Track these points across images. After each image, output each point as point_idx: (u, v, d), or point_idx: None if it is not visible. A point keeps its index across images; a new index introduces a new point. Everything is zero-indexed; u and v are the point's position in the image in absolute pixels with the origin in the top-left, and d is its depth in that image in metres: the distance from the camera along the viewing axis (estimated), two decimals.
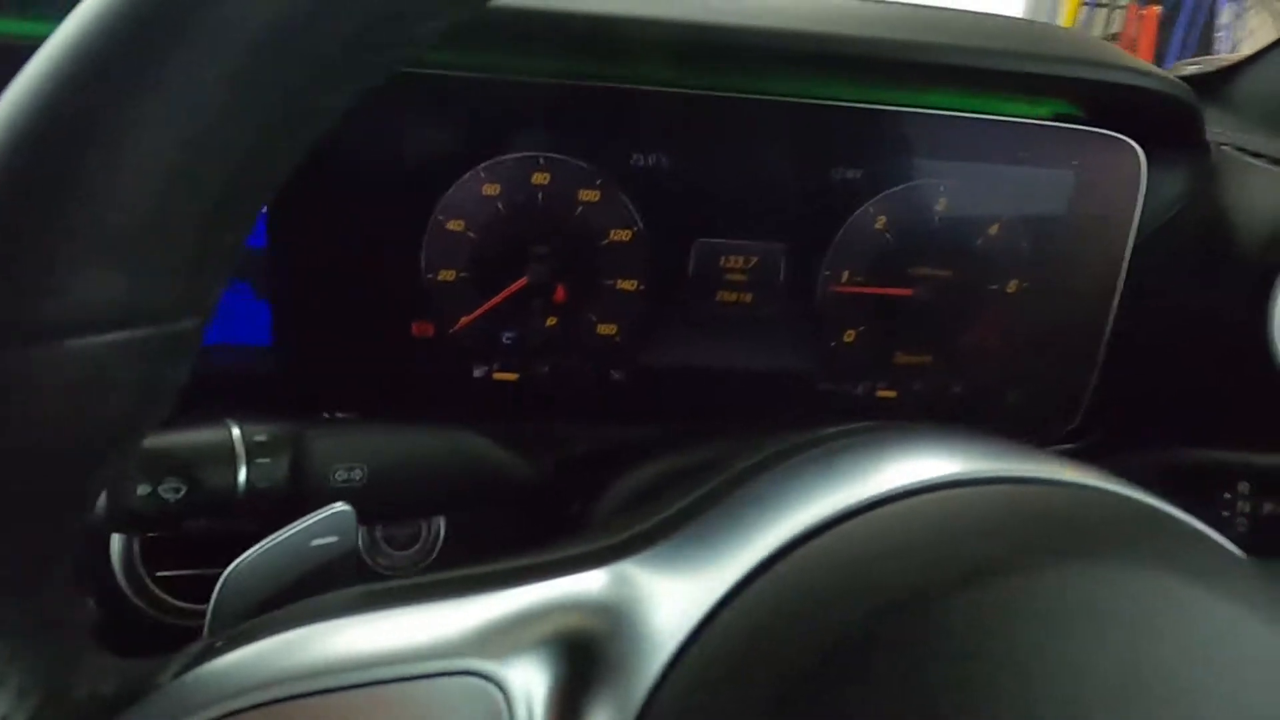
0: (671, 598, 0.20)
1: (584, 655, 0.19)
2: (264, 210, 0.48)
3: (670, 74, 0.49)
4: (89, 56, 0.15)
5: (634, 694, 0.19)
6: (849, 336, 0.54)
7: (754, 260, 0.52)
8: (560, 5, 0.46)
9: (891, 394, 0.56)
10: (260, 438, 0.31)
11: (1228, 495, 0.37)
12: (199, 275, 0.18)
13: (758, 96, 0.49)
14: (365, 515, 0.27)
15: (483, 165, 0.49)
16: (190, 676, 0.18)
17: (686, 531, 0.21)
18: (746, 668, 0.18)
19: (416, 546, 0.48)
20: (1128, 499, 0.23)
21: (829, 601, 0.19)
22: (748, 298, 0.53)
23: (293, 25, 0.16)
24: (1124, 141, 0.52)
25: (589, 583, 0.20)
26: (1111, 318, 0.54)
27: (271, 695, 0.18)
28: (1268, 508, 0.36)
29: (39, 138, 0.15)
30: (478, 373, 0.52)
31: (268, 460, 0.31)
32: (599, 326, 0.52)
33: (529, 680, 0.19)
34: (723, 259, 0.52)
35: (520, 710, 0.19)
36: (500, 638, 0.19)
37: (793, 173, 0.51)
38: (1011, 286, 0.54)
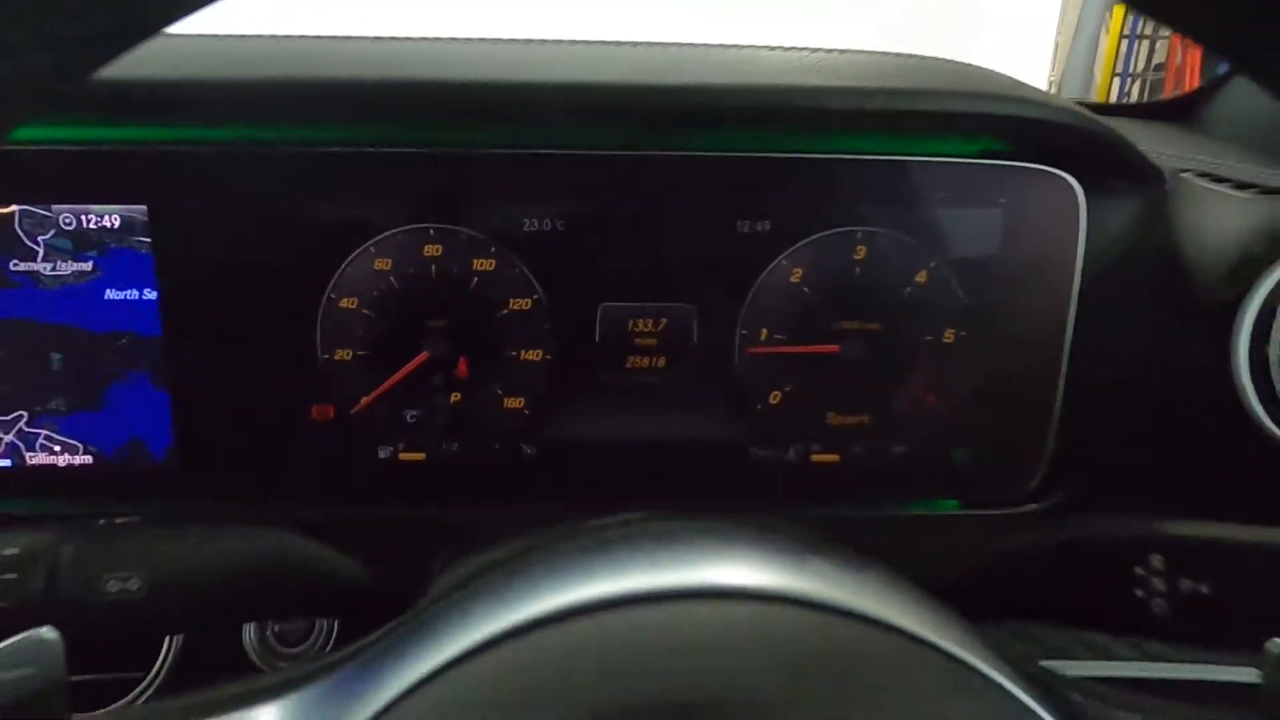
0: None
1: None
2: (157, 298, 0.48)
3: (558, 135, 0.47)
4: None
5: None
6: (774, 398, 0.50)
7: (664, 323, 0.49)
8: (435, 74, 0.45)
9: (833, 457, 0.52)
10: (10, 552, 0.29)
11: (1140, 571, 0.32)
12: None
13: (653, 152, 0.47)
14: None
15: (372, 241, 0.47)
16: None
17: (338, 673, 0.18)
18: None
19: (307, 643, 0.45)
20: (936, 653, 0.19)
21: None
22: (660, 362, 0.50)
23: None
24: (1058, 176, 0.48)
25: None
26: (1064, 365, 0.50)
27: None
28: (1185, 587, 0.30)
29: None
30: (383, 454, 0.50)
31: (15, 578, 0.29)
32: (505, 400, 0.50)
33: None
34: (631, 323, 0.49)
35: None
36: None
37: (697, 229, 0.48)
38: (948, 336, 0.50)
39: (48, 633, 0.22)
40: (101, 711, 0.19)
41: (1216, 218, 0.48)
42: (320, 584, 0.37)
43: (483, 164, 0.47)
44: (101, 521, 0.38)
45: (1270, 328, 0.44)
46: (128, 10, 0.16)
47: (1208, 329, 0.46)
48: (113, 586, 0.29)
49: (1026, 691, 0.18)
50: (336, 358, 0.49)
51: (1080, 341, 0.49)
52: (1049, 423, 0.50)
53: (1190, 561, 0.32)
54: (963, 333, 0.50)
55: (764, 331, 0.50)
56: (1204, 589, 0.32)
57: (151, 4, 0.16)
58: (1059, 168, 0.48)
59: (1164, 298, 0.48)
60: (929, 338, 0.50)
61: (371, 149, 0.46)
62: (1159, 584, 0.32)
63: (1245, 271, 0.45)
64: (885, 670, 0.18)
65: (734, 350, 0.50)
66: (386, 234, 0.47)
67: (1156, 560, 0.33)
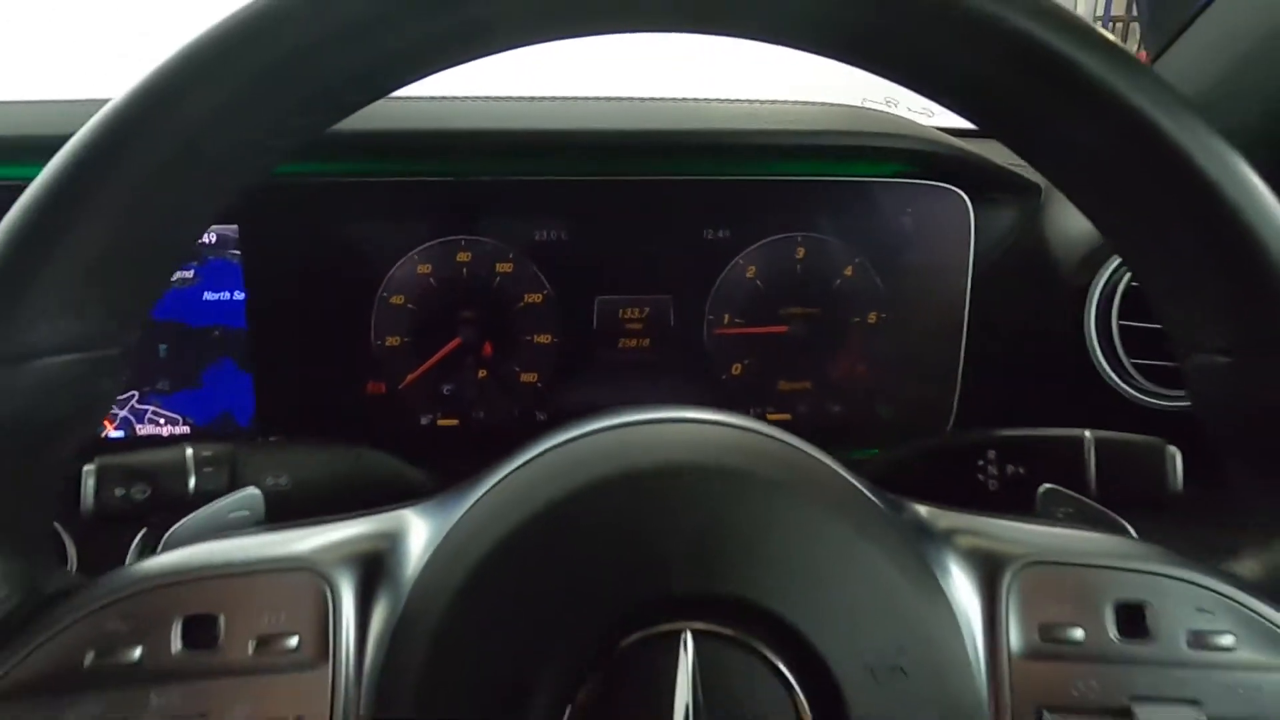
0: (423, 530, 0.30)
1: (376, 564, 0.29)
2: (245, 298, 0.60)
3: (564, 166, 0.60)
4: (55, 177, 0.26)
5: (402, 584, 0.29)
6: (736, 370, 0.63)
7: (647, 311, 0.62)
8: (471, 125, 0.59)
9: (785, 416, 0.65)
10: (206, 454, 0.42)
11: (981, 462, 0.45)
12: (127, 315, 0.29)
13: (637, 178, 0.61)
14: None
15: (416, 250, 0.60)
16: (123, 571, 0.28)
17: (445, 492, 0.31)
18: (459, 557, 0.28)
19: None
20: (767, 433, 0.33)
21: (511, 506, 0.29)
22: (645, 343, 0.63)
23: (204, 131, 0.27)
24: (953, 191, 0.62)
25: (381, 524, 0.31)
26: (964, 338, 0.63)
27: (174, 580, 0.28)
28: (1010, 470, 0.43)
29: (23, 224, 0.26)
30: (424, 421, 0.63)
31: (211, 470, 0.41)
32: (522, 375, 0.63)
33: (343, 577, 0.29)
34: (621, 311, 0.62)
35: (338, 594, 0.28)
36: (327, 552, 0.29)
37: (672, 236, 0.61)
38: (871, 318, 0.63)
39: (253, 490, 0.35)
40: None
41: (1076, 220, 0.62)
42: (402, 488, 0.50)
43: (504, 189, 0.60)
44: (258, 439, 0.50)
45: (1112, 305, 0.58)
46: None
47: (1068, 307, 0.60)
48: (269, 482, 0.41)
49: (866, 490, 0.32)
50: (387, 344, 0.61)
51: (975, 319, 0.63)
52: (953, 384, 0.64)
53: (1014, 453, 0.45)
54: (883, 315, 0.63)
55: (727, 316, 0.63)
56: (1022, 470, 0.45)
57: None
58: (953, 185, 0.62)
59: (1036, 283, 0.62)
60: (856, 319, 0.63)
61: (418, 179, 0.59)
62: (993, 470, 0.45)
63: (1093, 262, 0.59)
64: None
65: (703, 332, 0.63)
66: (427, 244, 0.60)
67: (991, 455, 0.46)
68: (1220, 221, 0.28)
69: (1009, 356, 0.63)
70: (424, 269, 0.60)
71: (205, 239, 0.60)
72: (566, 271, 0.61)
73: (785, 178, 0.61)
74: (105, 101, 0.26)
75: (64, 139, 0.27)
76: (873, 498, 0.32)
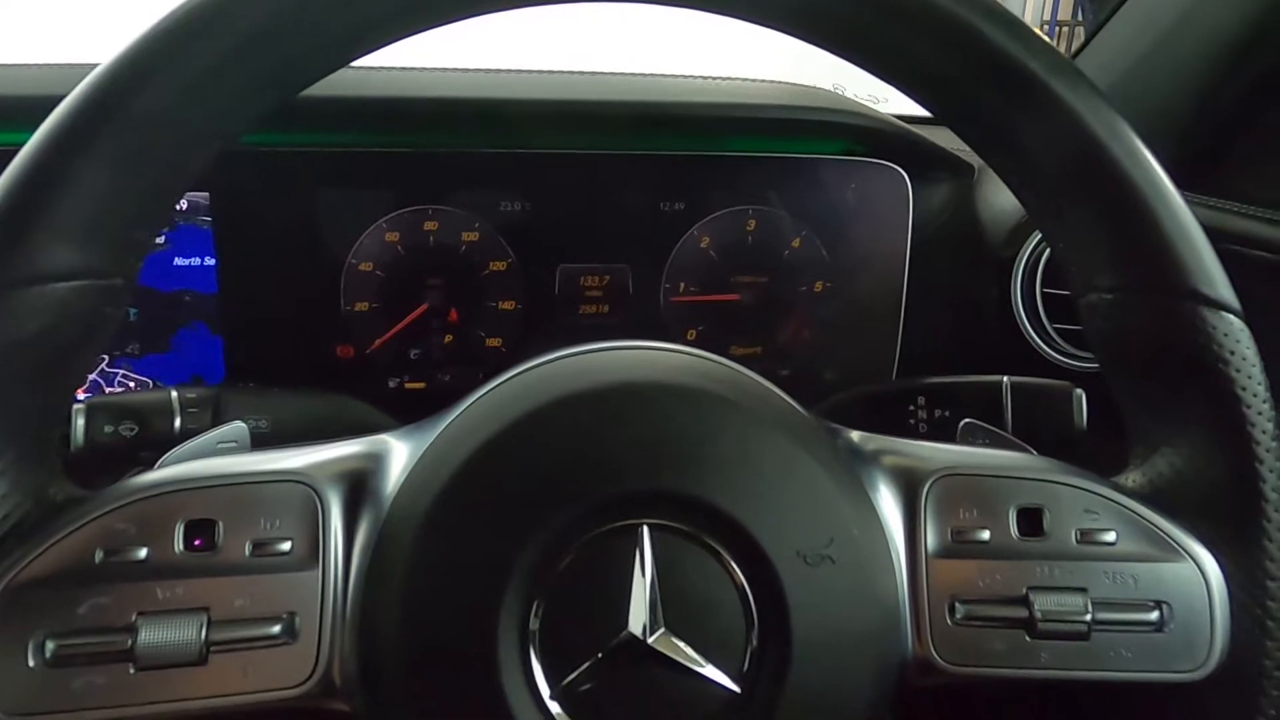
0: (404, 450, 0.34)
1: (361, 479, 0.33)
2: (215, 264, 0.62)
3: (526, 138, 0.63)
4: (63, 119, 0.28)
5: (385, 497, 0.32)
6: (691, 335, 0.67)
7: (607, 279, 0.65)
8: (441, 93, 0.61)
9: None
10: (191, 395, 0.44)
11: (912, 407, 0.50)
12: (128, 250, 0.31)
13: (598, 152, 0.64)
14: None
15: (384, 218, 0.63)
16: (129, 480, 0.31)
17: (424, 420, 0.35)
18: (437, 468, 0.31)
19: None
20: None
21: (483, 423, 0.32)
22: (605, 309, 0.66)
23: (213, 71, 0.29)
24: (893, 169, 0.66)
25: (365, 446, 0.34)
26: (903, 305, 0.68)
27: (176, 488, 0.30)
28: (937, 414, 0.48)
29: (33, 163, 0.28)
30: (392, 384, 0.65)
31: (196, 411, 0.44)
32: (487, 340, 0.65)
33: (331, 490, 0.32)
34: (582, 279, 0.65)
35: (327, 504, 0.31)
36: (317, 469, 0.32)
37: (630, 208, 0.65)
38: (818, 287, 0.67)
39: (239, 423, 0.37)
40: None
41: (1005, 197, 0.67)
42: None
43: (471, 161, 0.63)
44: (239, 385, 0.52)
45: (1036, 274, 0.63)
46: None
47: (997, 276, 0.64)
48: (251, 423, 0.44)
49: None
50: (356, 309, 0.63)
51: (913, 288, 0.67)
52: (894, 348, 0.68)
53: (941, 398, 0.50)
54: (828, 284, 0.67)
55: (682, 285, 0.66)
56: (948, 414, 0.49)
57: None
58: (895, 163, 0.66)
59: (969, 255, 0.67)
60: (803, 289, 0.67)
61: (387, 150, 0.62)
62: (923, 414, 0.50)
63: (1018, 236, 0.64)
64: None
65: (660, 300, 0.66)
66: (396, 213, 0.63)
67: (921, 400, 0.50)
68: (1113, 186, 0.32)
69: (943, 322, 0.67)
70: (392, 237, 0.63)
71: (177, 205, 0.61)
72: (530, 241, 0.64)
73: (738, 154, 0.65)
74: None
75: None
76: (810, 418, 0.36)
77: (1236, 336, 0.33)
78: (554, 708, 0.30)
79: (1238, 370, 0.32)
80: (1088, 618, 0.32)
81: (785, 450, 0.32)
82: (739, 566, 0.31)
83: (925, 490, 0.34)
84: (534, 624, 0.30)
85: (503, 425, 0.32)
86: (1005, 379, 0.49)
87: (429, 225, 0.63)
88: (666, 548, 0.30)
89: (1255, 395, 0.32)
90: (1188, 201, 0.33)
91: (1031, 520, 0.34)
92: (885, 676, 0.32)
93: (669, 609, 0.30)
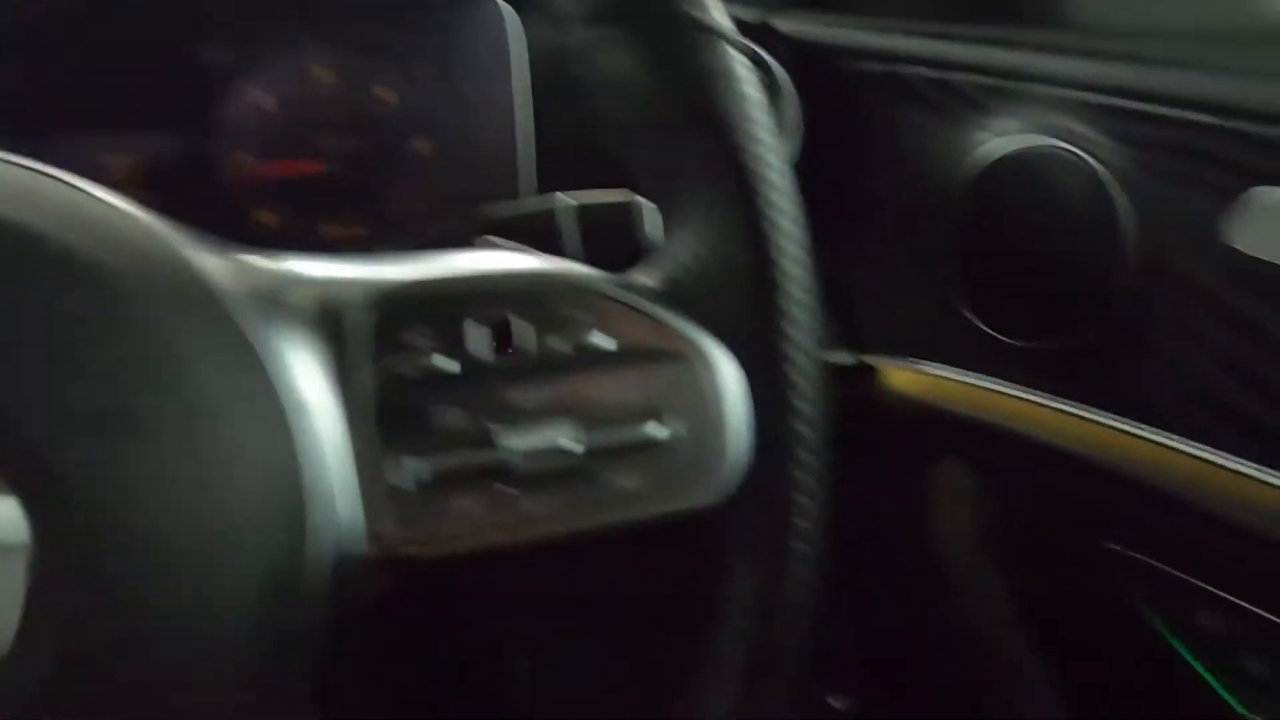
0: None
1: None
2: None
3: None
4: None
5: None
6: (268, 219, 0.54)
7: (134, 159, 0.51)
8: None
9: None
10: None
11: None
12: None
13: None
14: None
15: None
16: None
17: None
18: None
19: None
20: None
21: None
22: (149, 196, 0.52)
23: None
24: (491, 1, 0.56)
25: None
26: (518, 164, 0.58)
27: None
28: None
29: None
30: None
31: None
32: None
33: None
34: (99, 159, 0.50)
35: None
36: None
37: (154, 58, 0.50)
38: (423, 148, 0.56)
39: None
40: None
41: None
42: None
43: None
44: None
45: None
46: None
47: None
48: None
49: None
50: None
51: (542, 145, 0.58)
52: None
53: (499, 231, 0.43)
54: (434, 143, 0.57)
55: (241, 156, 0.53)
56: None
57: None
58: None
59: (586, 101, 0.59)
60: (406, 149, 0.56)
61: None
62: None
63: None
64: None
65: (216, 177, 0.53)
66: None
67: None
68: None
69: (572, 181, 0.59)
70: None
71: None
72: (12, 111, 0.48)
73: None
74: None
75: None
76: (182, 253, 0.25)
77: (732, 67, 0.26)
78: None
79: (737, 109, 0.26)
80: (580, 449, 0.25)
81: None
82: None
83: (353, 322, 0.25)
84: None
85: None
86: (557, 196, 0.41)
87: None
88: None
89: (758, 143, 0.26)
90: None
91: (501, 335, 0.25)
92: (312, 582, 0.23)
93: None
